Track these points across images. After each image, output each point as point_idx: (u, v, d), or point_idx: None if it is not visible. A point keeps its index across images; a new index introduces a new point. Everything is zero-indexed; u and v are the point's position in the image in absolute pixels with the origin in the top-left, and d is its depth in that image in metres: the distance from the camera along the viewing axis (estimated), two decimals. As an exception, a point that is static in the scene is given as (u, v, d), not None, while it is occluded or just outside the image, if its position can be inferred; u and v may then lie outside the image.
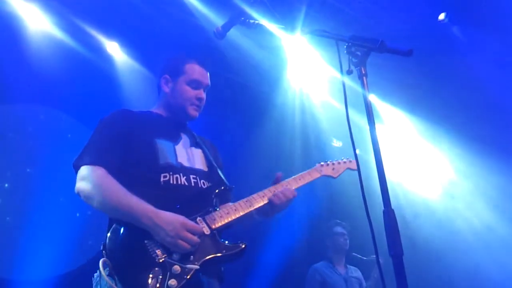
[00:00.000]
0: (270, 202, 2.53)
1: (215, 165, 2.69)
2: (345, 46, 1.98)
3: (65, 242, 5.11)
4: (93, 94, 5.50)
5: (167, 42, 5.59)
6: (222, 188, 2.54)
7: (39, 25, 5.36)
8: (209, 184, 2.57)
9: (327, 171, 2.92)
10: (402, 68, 5.86)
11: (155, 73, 2.86)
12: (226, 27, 2.54)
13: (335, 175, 2.94)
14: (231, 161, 4.01)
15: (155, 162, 2.44)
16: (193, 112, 2.69)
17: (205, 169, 2.63)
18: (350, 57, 1.95)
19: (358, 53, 1.93)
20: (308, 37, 5.53)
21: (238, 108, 6.67)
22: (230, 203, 2.58)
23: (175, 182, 2.42)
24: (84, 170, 2.33)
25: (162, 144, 2.52)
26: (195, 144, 2.71)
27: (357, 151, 2.36)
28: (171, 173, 2.43)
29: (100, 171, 2.31)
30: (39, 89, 5.45)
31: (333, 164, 2.96)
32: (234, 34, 5.42)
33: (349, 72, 1.94)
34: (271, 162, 6.46)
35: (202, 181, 2.53)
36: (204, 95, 2.73)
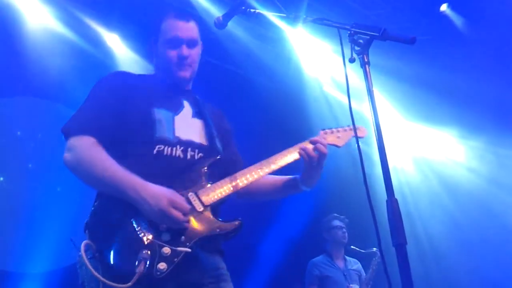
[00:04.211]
0: (302, 157, 2.37)
1: (216, 135, 2.47)
2: (347, 34, 1.96)
3: (66, 235, 5.09)
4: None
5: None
6: (217, 158, 2.35)
7: (37, 17, 5.32)
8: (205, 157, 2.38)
9: (332, 139, 2.56)
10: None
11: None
12: (227, 17, 2.52)
13: (340, 144, 2.58)
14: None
15: (150, 135, 2.26)
16: (181, 73, 2.46)
17: (205, 143, 2.42)
18: (353, 45, 1.92)
19: (361, 41, 1.91)
20: (310, 26, 5.50)
21: (239, 100, 6.64)
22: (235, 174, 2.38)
23: (169, 153, 2.26)
24: (71, 140, 2.20)
25: (161, 114, 2.33)
26: (197, 114, 2.50)
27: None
28: (166, 146, 2.27)
29: (87, 141, 2.17)
30: (38, 82, 5.42)
31: (338, 131, 2.60)
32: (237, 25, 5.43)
33: (352, 60, 1.91)
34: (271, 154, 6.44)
35: (199, 154, 2.34)
36: (188, 51, 2.44)
